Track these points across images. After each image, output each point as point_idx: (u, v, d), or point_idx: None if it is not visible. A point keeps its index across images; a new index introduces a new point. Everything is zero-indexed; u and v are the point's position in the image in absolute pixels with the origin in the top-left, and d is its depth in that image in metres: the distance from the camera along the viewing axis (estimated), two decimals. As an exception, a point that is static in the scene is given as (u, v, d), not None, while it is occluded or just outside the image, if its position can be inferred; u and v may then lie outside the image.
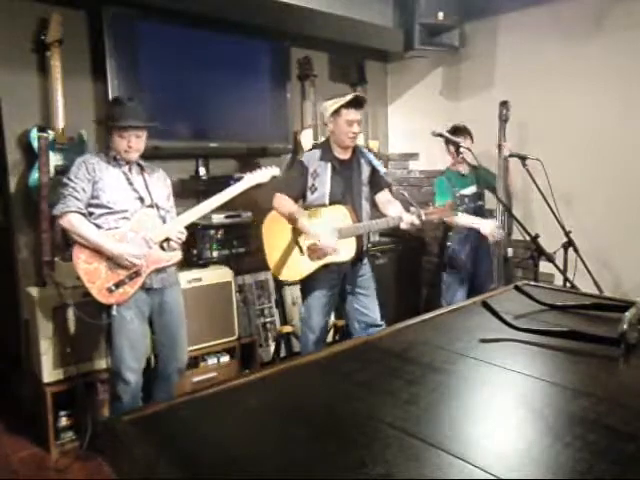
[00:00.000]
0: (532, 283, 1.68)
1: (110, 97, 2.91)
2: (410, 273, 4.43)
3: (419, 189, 4.43)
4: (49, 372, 2.70)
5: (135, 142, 2.40)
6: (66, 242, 2.44)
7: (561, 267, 2.89)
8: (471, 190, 3.35)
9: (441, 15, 3.80)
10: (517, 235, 3.39)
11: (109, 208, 2.39)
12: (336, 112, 2.72)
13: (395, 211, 2.82)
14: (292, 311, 4.01)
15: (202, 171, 3.44)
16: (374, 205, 2.96)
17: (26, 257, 2.96)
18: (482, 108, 3.64)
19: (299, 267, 2.81)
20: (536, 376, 1.02)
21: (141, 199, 2.46)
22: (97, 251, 2.35)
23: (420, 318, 1.41)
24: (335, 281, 2.86)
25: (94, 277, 2.35)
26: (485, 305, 1.31)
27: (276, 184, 2.82)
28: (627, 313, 1.12)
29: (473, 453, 0.77)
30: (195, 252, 3.27)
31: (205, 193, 2.93)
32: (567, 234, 2.99)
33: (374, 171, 2.85)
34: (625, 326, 1.10)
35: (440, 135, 2.88)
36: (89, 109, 3.10)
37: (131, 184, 2.45)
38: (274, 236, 2.87)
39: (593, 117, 3.42)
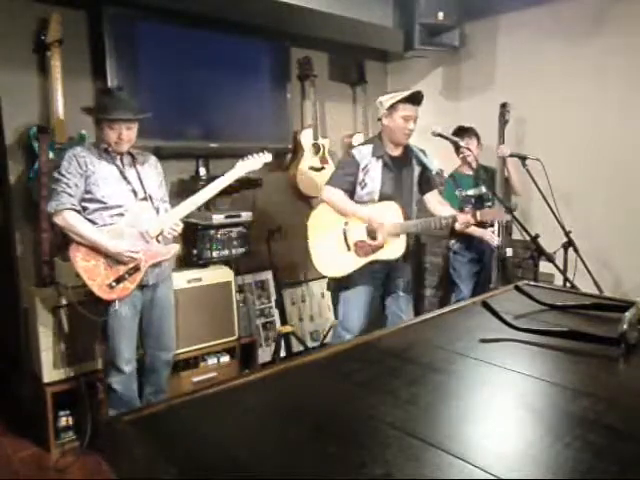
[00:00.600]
0: (532, 283, 1.68)
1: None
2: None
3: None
4: (49, 372, 2.70)
5: (126, 134, 2.38)
6: (66, 241, 2.43)
7: (561, 267, 2.89)
8: (477, 191, 3.35)
9: (441, 15, 3.80)
10: (517, 235, 3.39)
11: (103, 203, 2.38)
12: (392, 107, 2.66)
13: (447, 212, 2.77)
14: (292, 311, 4.02)
15: (202, 171, 3.44)
16: (420, 205, 2.93)
17: (26, 257, 2.95)
18: (482, 108, 3.64)
19: (345, 263, 2.78)
20: (536, 376, 1.02)
21: (134, 192, 2.44)
22: (94, 248, 2.34)
23: (420, 318, 1.41)
24: (378, 280, 2.82)
25: (94, 274, 2.35)
26: (485, 305, 1.31)
27: (330, 178, 2.82)
28: (627, 313, 1.12)
29: (473, 453, 0.77)
30: (195, 252, 3.27)
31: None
32: (567, 234, 2.99)
33: (424, 170, 2.82)
34: (625, 326, 1.10)
35: (440, 135, 2.88)
36: (89, 109, 3.10)
37: (124, 177, 2.43)
38: (319, 231, 2.85)
39: (593, 117, 3.41)
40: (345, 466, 0.74)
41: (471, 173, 3.39)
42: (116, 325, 2.43)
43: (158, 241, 2.49)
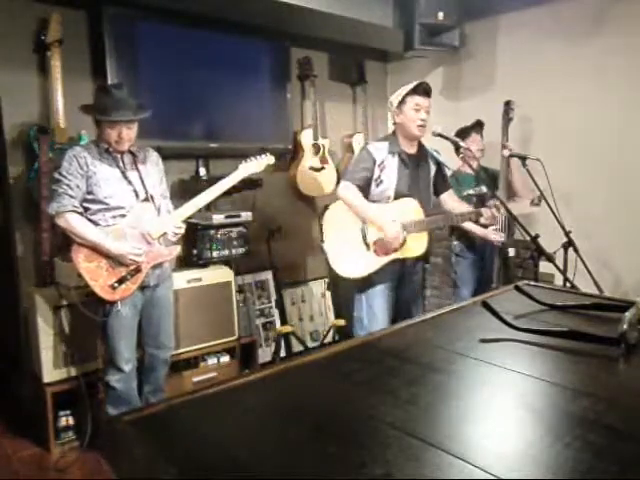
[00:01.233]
0: (532, 283, 1.68)
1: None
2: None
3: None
4: (49, 372, 2.70)
5: (126, 133, 2.37)
6: (67, 242, 2.43)
7: (561, 267, 2.88)
8: (478, 190, 3.35)
9: (441, 15, 3.80)
10: (517, 235, 3.39)
11: (105, 204, 2.37)
12: (401, 102, 2.63)
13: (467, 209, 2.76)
14: (292, 311, 4.02)
15: (202, 171, 3.45)
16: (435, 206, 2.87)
17: (26, 257, 2.96)
18: (482, 108, 3.64)
19: (365, 263, 2.65)
20: (536, 376, 1.02)
21: (136, 193, 2.44)
22: (96, 249, 2.34)
23: (420, 318, 1.41)
24: (395, 282, 2.73)
25: (96, 275, 2.35)
26: (485, 305, 1.31)
27: (345, 174, 2.73)
28: (627, 313, 1.12)
29: (473, 453, 0.77)
30: (195, 252, 3.27)
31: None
32: (567, 234, 2.98)
33: (439, 170, 2.79)
34: (625, 326, 1.10)
35: (440, 135, 2.87)
36: (89, 109, 3.10)
37: (125, 177, 2.43)
38: (336, 230, 2.70)
39: (593, 117, 3.42)
40: (345, 466, 0.74)
41: (471, 172, 3.39)
42: (117, 325, 2.43)
43: (159, 242, 2.49)
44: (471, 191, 3.34)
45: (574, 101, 3.49)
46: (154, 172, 2.56)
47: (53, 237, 2.75)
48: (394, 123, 2.75)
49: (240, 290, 3.66)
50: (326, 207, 3.23)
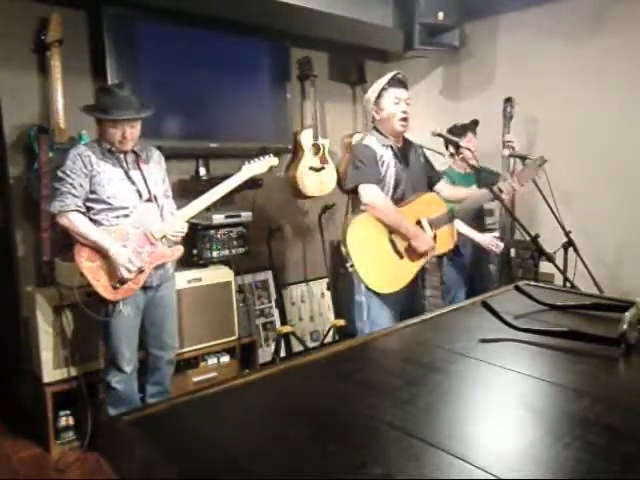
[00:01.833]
0: (532, 283, 1.68)
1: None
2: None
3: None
4: (49, 372, 2.70)
5: (130, 132, 2.36)
6: (67, 242, 2.43)
7: (561, 267, 2.88)
8: (471, 189, 3.34)
9: (441, 15, 3.80)
10: (517, 235, 3.39)
11: (109, 204, 2.37)
12: (378, 97, 2.50)
13: (468, 192, 2.73)
14: (292, 311, 4.02)
15: (202, 171, 3.44)
16: None
17: (26, 257, 2.96)
18: (482, 108, 3.64)
19: (402, 274, 2.45)
20: (536, 376, 1.02)
21: (139, 193, 2.43)
22: (97, 249, 2.34)
23: (420, 318, 1.41)
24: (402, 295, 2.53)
25: (98, 275, 2.35)
26: (485, 305, 1.31)
27: (355, 175, 2.44)
28: (627, 313, 1.12)
29: (473, 453, 0.77)
30: (195, 252, 3.27)
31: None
32: (567, 234, 2.98)
33: (427, 161, 2.72)
34: (625, 326, 1.10)
35: (440, 135, 2.87)
36: (89, 109, 3.10)
37: (129, 177, 2.42)
38: (364, 247, 2.40)
39: (593, 117, 3.42)
40: (345, 466, 0.74)
41: (466, 172, 3.38)
42: (118, 325, 2.43)
43: (163, 243, 2.49)
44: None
45: (574, 101, 3.49)
46: (157, 171, 2.55)
47: (53, 237, 2.75)
48: (373, 121, 2.60)
49: (240, 290, 3.66)
50: (326, 207, 3.19)
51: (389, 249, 2.44)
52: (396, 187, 2.51)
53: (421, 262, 2.51)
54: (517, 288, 1.52)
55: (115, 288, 2.36)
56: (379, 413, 0.89)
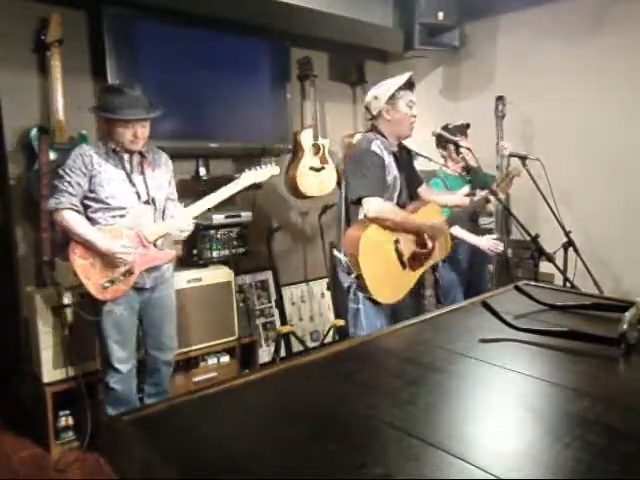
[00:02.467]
0: (532, 283, 1.68)
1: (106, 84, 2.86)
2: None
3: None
4: (49, 372, 2.70)
5: (141, 132, 2.36)
6: (67, 242, 2.43)
7: (561, 267, 2.88)
8: (464, 191, 3.34)
9: (441, 15, 3.80)
10: (517, 235, 3.39)
11: (107, 204, 2.37)
12: (392, 97, 2.42)
13: (457, 198, 2.73)
14: (292, 311, 4.02)
15: (202, 171, 3.44)
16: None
17: (26, 257, 2.96)
18: (482, 108, 3.63)
19: (403, 283, 2.46)
20: (536, 376, 1.02)
21: (138, 194, 2.43)
22: (90, 247, 2.34)
23: (420, 318, 1.41)
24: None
25: (90, 273, 2.35)
26: (485, 305, 1.31)
27: (361, 187, 2.35)
28: (627, 313, 1.12)
29: (473, 453, 0.77)
30: (195, 252, 3.27)
31: (206, 193, 2.93)
32: (567, 234, 2.99)
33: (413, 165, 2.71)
34: (625, 326, 1.10)
35: (440, 135, 2.87)
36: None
37: (130, 178, 2.42)
38: (372, 258, 2.36)
39: (593, 117, 3.42)
40: (345, 466, 0.74)
41: (460, 173, 3.37)
42: (110, 325, 2.43)
43: (155, 245, 2.49)
44: (460, 192, 3.33)
45: (574, 101, 3.49)
46: (161, 175, 2.54)
47: (53, 237, 2.75)
48: (370, 118, 2.53)
49: (240, 290, 3.66)
50: (326, 207, 3.17)
51: (395, 259, 2.43)
52: (398, 194, 2.49)
53: (421, 271, 2.53)
54: (517, 288, 1.52)
55: (104, 288, 2.36)
56: (379, 413, 0.89)
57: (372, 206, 2.31)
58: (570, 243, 2.98)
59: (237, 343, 3.35)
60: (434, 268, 3.32)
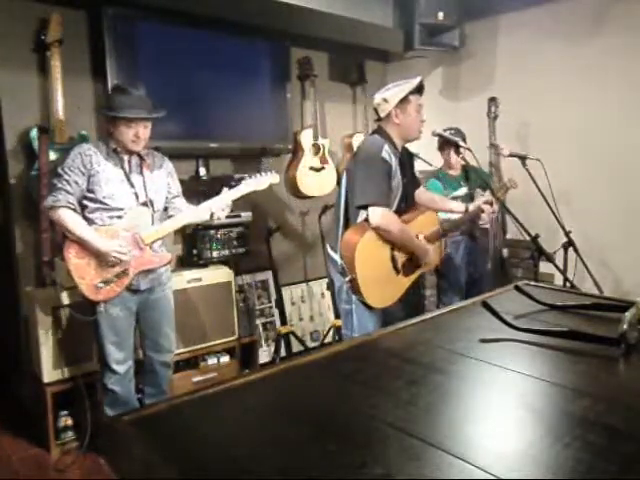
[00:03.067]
0: (532, 283, 1.68)
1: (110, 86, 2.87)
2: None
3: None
4: (49, 372, 2.70)
5: (143, 132, 2.37)
6: (64, 238, 2.43)
7: (561, 267, 2.89)
8: (463, 191, 3.35)
9: (441, 15, 3.80)
10: (517, 235, 3.39)
11: (105, 204, 2.36)
12: (404, 100, 2.41)
13: (451, 203, 2.76)
14: (292, 311, 4.02)
15: (202, 171, 3.44)
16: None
17: (26, 257, 2.95)
18: (482, 108, 3.63)
19: (396, 288, 2.49)
20: (536, 376, 1.02)
21: (136, 196, 2.43)
22: (86, 246, 2.34)
23: (420, 318, 1.41)
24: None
25: (84, 273, 2.35)
26: (485, 305, 1.31)
27: (368, 194, 2.33)
28: (627, 313, 1.12)
29: (473, 453, 0.77)
30: (195, 252, 3.27)
31: (205, 193, 2.93)
32: (567, 234, 2.98)
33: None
34: (625, 326, 1.10)
35: (440, 135, 2.87)
36: (89, 109, 3.10)
37: (128, 179, 2.41)
38: (368, 264, 2.38)
39: (593, 117, 3.42)
40: (345, 466, 0.74)
41: (458, 173, 3.38)
42: (105, 325, 2.42)
43: (151, 248, 2.48)
44: (459, 192, 3.33)
45: (574, 101, 3.49)
46: (160, 177, 2.54)
47: (53, 237, 2.75)
48: (378, 120, 2.53)
49: (240, 290, 3.66)
50: (326, 207, 3.17)
51: (389, 266, 2.46)
52: (400, 199, 2.49)
53: (413, 277, 2.55)
54: (517, 288, 1.52)
55: (98, 289, 2.36)
56: (379, 413, 0.89)
57: (377, 215, 2.30)
58: (570, 243, 2.98)
59: (237, 343, 3.35)
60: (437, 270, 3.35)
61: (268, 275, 3.89)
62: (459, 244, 3.33)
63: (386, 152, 2.38)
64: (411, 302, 2.76)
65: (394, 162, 2.41)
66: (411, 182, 2.63)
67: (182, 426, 0.88)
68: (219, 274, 3.31)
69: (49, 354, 2.69)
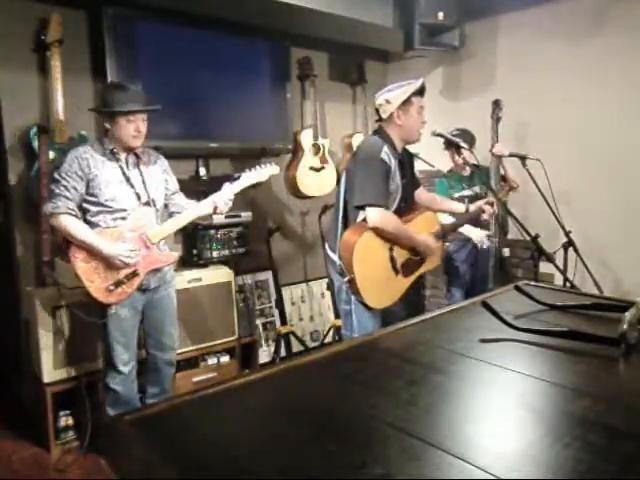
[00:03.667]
0: (532, 283, 1.68)
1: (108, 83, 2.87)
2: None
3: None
4: (49, 372, 2.70)
5: (142, 126, 2.38)
6: (67, 242, 2.43)
7: (561, 267, 2.89)
8: (471, 192, 3.35)
9: (441, 15, 3.80)
10: (517, 235, 3.39)
11: (107, 207, 2.36)
12: (406, 102, 2.40)
13: (451, 204, 2.78)
14: (292, 311, 4.02)
15: (202, 171, 3.44)
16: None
17: (26, 257, 2.95)
18: (482, 108, 3.63)
19: (396, 289, 2.49)
20: (536, 376, 1.02)
21: (138, 196, 2.43)
22: (92, 251, 2.34)
23: (420, 318, 1.41)
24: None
25: (92, 276, 2.35)
26: (485, 305, 1.31)
27: (366, 194, 2.34)
28: (627, 313, 1.12)
29: (473, 453, 0.77)
30: (195, 252, 3.27)
31: (205, 193, 2.93)
32: (567, 234, 2.99)
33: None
34: (625, 326, 1.10)
35: (440, 135, 2.87)
36: (89, 109, 3.10)
37: (128, 180, 2.41)
38: (367, 264, 2.38)
39: (593, 117, 3.42)
40: (345, 466, 0.74)
41: (466, 174, 3.39)
42: (114, 327, 2.42)
43: (158, 247, 2.49)
44: (465, 192, 3.34)
45: (574, 101, 3.49)
46: (156, 172, 2.54)
47: (53, 237, 2.75)
48: (378, 120, 2.52)
49: (240, 290, 3.66)
50: (326, 207, 3.16)
51: (388, 266, 2.45)
52: (400, 200, 2.49)
53: (412, 278, 2.54)
54: (517, 288, 1.52)
55: (109, 291, 2.36)
56: (379, 413, 0.89)
57: (375, 216, 2.32)
58: (570, 243, 2.98)
59: (237, 343, 3.35)
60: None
61: (268, 275, 3.89)
62: (463, 243, 3.35)
63: (385, 153, 2.39)
64: (411, 302, 2.77)
65: (393, 163, 2.41)
66: (411, 182, 2.63)
67: (182, 426, 0.88)
68: (219, 274, 3.31)
69: (49, 354, 2.69)
